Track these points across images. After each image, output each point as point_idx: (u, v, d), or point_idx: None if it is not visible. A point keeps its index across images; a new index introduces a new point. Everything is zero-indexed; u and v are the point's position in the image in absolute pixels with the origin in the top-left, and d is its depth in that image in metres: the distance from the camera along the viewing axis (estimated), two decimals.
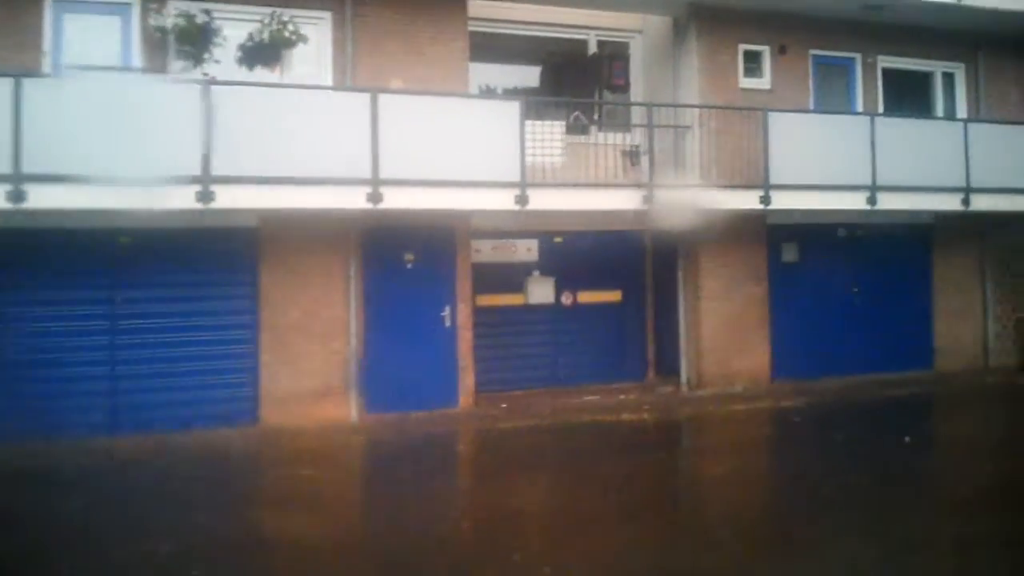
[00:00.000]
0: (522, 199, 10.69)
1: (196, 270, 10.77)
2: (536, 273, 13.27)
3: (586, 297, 13.44)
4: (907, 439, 9.87)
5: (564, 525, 7.22)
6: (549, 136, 11.62)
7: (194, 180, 9.33)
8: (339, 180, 9.95)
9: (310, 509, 7.70)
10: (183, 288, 10.70)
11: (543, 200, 10.89)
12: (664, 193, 11.47)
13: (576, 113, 12.92)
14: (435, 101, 10.79)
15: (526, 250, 13.20)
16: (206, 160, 9.35)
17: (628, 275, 13.78)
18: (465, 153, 10.51)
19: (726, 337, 13.05)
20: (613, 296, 13.63)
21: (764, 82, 13.48)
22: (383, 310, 11.51)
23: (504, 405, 11.90)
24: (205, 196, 9.38)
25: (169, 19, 10.56)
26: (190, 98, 9.40)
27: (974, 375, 14.15)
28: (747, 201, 11.88)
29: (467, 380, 11.80)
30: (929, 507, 7.59)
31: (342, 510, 7.96)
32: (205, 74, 10.14)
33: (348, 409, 11.21)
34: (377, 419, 11.11)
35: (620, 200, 11.55)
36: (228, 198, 9.48)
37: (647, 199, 11.39)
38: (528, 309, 13.18)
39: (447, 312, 11.80)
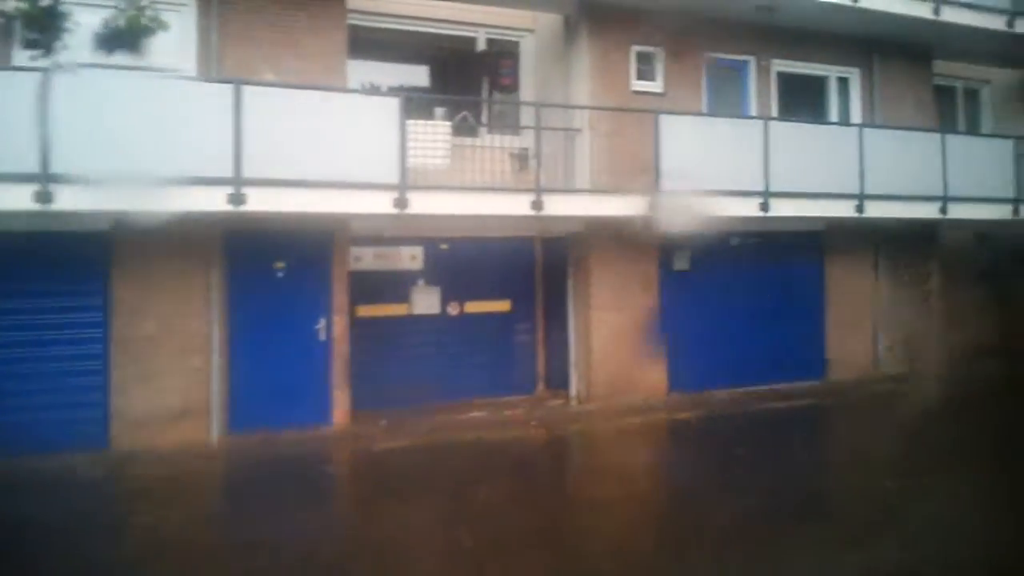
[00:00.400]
0: (401, 202, 10.00)
1: (36, 278, 9.71)
2: (421, 282, 12.56)
3: (474, 307, 12.80)
4: (801, 456, 9.48)
5: (422, 564, 6.58)
6: (433, 137, 11.00)
7: (31, 179, 8.38)
8: (197, 180, 9.05)
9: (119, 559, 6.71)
10: (21, 298, 9.64)
11: (425, 204, 10.22)
12: (553, 198, 10.97)
13: (463, 113, 12.29)
14: (307, 95, 9.94)
15: (410, 258, 12.49)
16: (44, 156, 8.40)
17: (518, 284, 13.19)
18: (340, 153, 9.75)
19: (617, 348, 12.55)
20: (502, 306, 13.03)
21: (657, 85, 13.04)
22: (250, 322, 10.64)
23: (383, 422, 11.14)
24: (43, 196, 8.43)
25: (10, 2, 9.54)
26: (22, 86, 8.45)
27: (865, 384, 14.02)
28: (638, 207, 11.41)
29: (343, 396, 11.01)
30: (820, 535, 7.18)
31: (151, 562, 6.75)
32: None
33: (209, 430, 10.30)
34: (241, 441, 10.21)
35: (508, 205, 10.94)
36: (70, 199, 8.52)
37: (535, 204, 10.84)
38: (412, 320, 12.47)
39: (322, 324, 11.00)
